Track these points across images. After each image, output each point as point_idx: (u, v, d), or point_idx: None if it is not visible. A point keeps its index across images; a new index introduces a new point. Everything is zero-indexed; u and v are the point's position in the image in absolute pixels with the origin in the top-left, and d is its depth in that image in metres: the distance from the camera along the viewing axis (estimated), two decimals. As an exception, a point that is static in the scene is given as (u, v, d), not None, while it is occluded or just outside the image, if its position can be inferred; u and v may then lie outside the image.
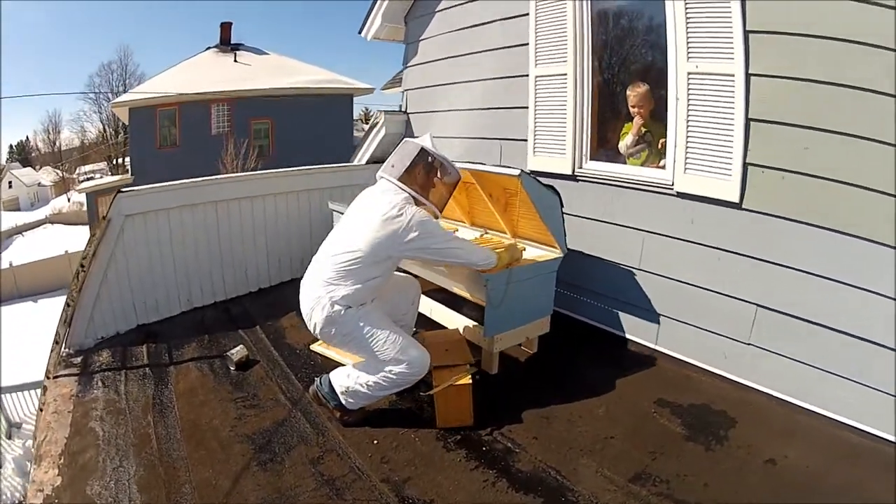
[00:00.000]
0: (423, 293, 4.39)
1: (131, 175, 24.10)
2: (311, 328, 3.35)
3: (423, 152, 3.37)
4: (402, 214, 3.11)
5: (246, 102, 23.10)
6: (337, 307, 3.18)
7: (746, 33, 3.35)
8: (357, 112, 36.70)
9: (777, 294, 3.44)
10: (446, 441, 3.23)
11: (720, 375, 3.78)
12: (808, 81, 3.15)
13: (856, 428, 3.14)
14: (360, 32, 6.77)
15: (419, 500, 2.78)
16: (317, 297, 3.24)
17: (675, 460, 2.97)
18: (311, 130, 23.01)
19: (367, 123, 8.32)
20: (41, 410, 4.07)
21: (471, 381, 3.26)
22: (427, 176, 3.40)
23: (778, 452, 3.00)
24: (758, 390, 3.58)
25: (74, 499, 2.99)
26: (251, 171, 18.20)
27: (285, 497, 2.85)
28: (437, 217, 3.49)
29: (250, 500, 2.85)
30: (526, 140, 4.95)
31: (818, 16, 3.07)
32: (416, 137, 3.53)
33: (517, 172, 3.57)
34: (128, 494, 2.96)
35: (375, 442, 3.25)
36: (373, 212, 3.19)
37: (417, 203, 3.31)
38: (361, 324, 3.20)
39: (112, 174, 48.09)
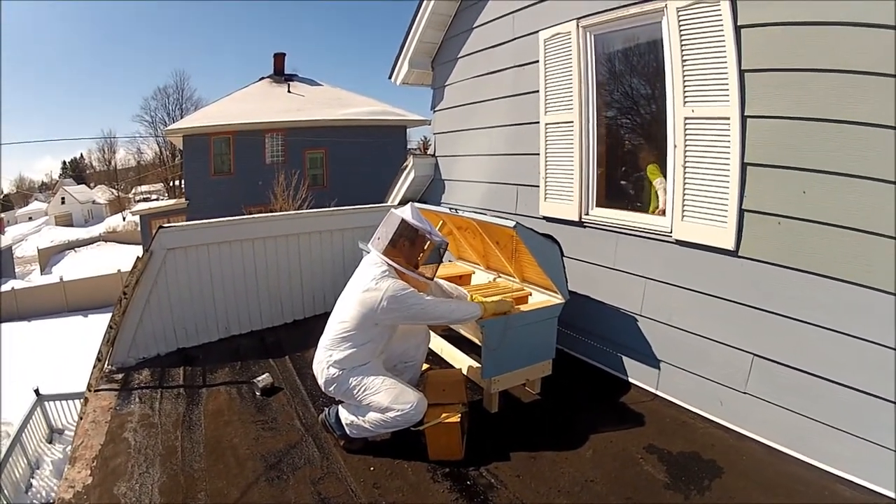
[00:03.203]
0: (436, 332, 4.76)
1: (186, 200, 24.94)
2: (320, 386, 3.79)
3: (404, 224, 3.70)
4: (377, 289, 3.50)
5: (300, 133, 23.88)
6: (333, 370, 3.63)
7: (742, 73, 3.42)
8: (416, 141, 37.55)
9: (773, 344, 3.50)
10: (435, 473, 3.50)
11: (717, 423, 3.87)
12: (805, 120, 3.17)
13: (850, 481, 3.15)
14: (389, 77, 7.16)
15: (399, 525, 3.08)
16: (319, 361, 3.72)
17: (649, 508, 3.11)
18: (364, 160, 23.71)
19: (426, 151, 8.73)
20: (81, 419, 4.53)
21: (458, 420, 3.51)
22: (412, 246, 3.72)
23: None
24: (753, 439, 3.64)
25: (102, 497, 3.42)
26: (302, 200, 18.74)
27: (284, 510, 3.23)
28: (430, 279, 3.87)
29: (253, 510, 3.24)
30: (538, 186, 5.19)
31: (816, 48, 3.08)
32: (400, 208, 3.84)
33: (513, 224, 3.83)
34: (150, 497, 3.41)
35: (372, 469, 3.57)
36: (357, 285, 3.64)
37: (401, 274, 3.65)
38: (356, 383, 3.58)
39: (168, 196, 49.62)
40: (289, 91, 26.59)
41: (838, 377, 3.17)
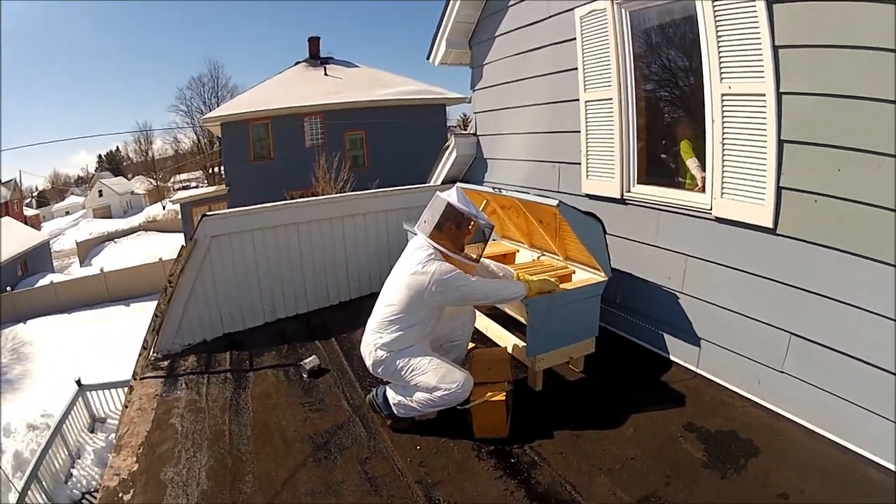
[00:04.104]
0: (481, 312, 4.90)
1: (227, 186, 25.42)
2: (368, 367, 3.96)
3: (450, 208, 3.79)
4: (424, 273, 3.63)
5: (339, 115, 24.23)
6: (380, 352, 3.79)
7: (776, 49, 3.41)
8: (455, 119, 37.63)
9: (810, 323, 3.51)
10: (480, 451, 3.66)
11: (755, 402, 3.93)
12: (838, 97, 3.17)
13: (883, 466, 3.18)
14: (427, 58, 7.26)
15: (444, 502, 3.24)
16: (367, 343, 3.88)
17: (687, 486, 3.18)
18: (405, 140, 24.03)
19: (465, 129, 8.82)
20: (126, 407, 4.73)
21: (504, 398, 3.65)
22: (458, 229, 3.82)
23: (794, 486, 3.10)
24: (789, 419, 3.69)
25: (148, 483, 3.62)
26: (344, 182, 19.01)
27: (331, 489, 3.40)
28: (476, 262, 3.97)
29: (301, 490, 3.42)
30: (579, 164, 5.24)
31: (846, 25, 3.07)
32: (446, 191, 3.93)
33: (556, 203, 3.93)
34: (196, 480, 3.60)
35: (418, 447, 3.74)
36: (404, 269, 3.77)
37: (447, 257, 3.77)
38: (403, 364, 3.74)
39: (208, 183, 50.37)
40: (325, 74, 26.89)
41: (874, 360, 3.18)
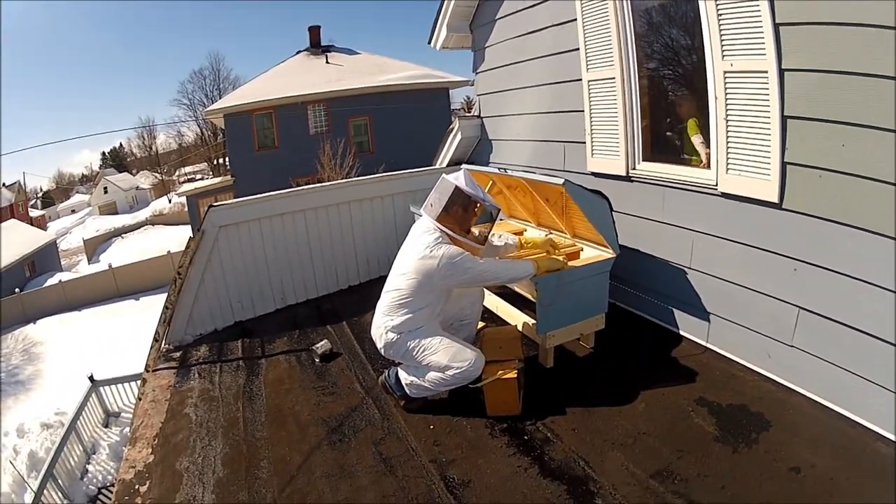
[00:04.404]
0: (491, 290, 4.94)
1: (232, 177, 25.48)
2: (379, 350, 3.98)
3: (457, 191, 3.78)
4: (433, 257, 3.64)
5: (342, 102, 24.25)
6: (391, 334, 3.81)
7: (776, 26, 3.37)
8: (459, 102, 37.56)
9: (818, 297, 3.50)
10: (493, 429, 3.70)
11: (765, 376, 3.94)
12: (839, 73, 3.14)
13: (890, 440, 3.18)
14: (429, 43, 7.22)
15: (458, 480, 3.28)
16: (377, 326, 3.91)
17: (700, 460, 3.21)
18: (409, 124, 24.06)
19: (469, 111, 8.83)
20: (139, 400, 4.78)
21: (515, 375, 3.68)
22: (465, 212, 3.81)
23: (805, 460, 3.11)
24: (800, 393, 3.69)
25: (164, 474, 3.67)
26: (350, 167, 19.07)
27: (346, 471, 3.45)
28: (482, 243, 3.97)
29: (316, 473, 3.47)
30: (584, 143, 5.24)
31: (849, 2, 3.02)
32: (453, 173, 3.92)
33: (561, 182, 3.93)
34: (212, 468, 3.65)
35: (432, 427, 3.78)
36: (412, 252, 3.77)
37: (454, 240, 3.78)
38: (414, 345, 3.76)
39: (213, 175, 50.33)
40: (327, 62, 26.84)
41: (881, 333, 3.18)
